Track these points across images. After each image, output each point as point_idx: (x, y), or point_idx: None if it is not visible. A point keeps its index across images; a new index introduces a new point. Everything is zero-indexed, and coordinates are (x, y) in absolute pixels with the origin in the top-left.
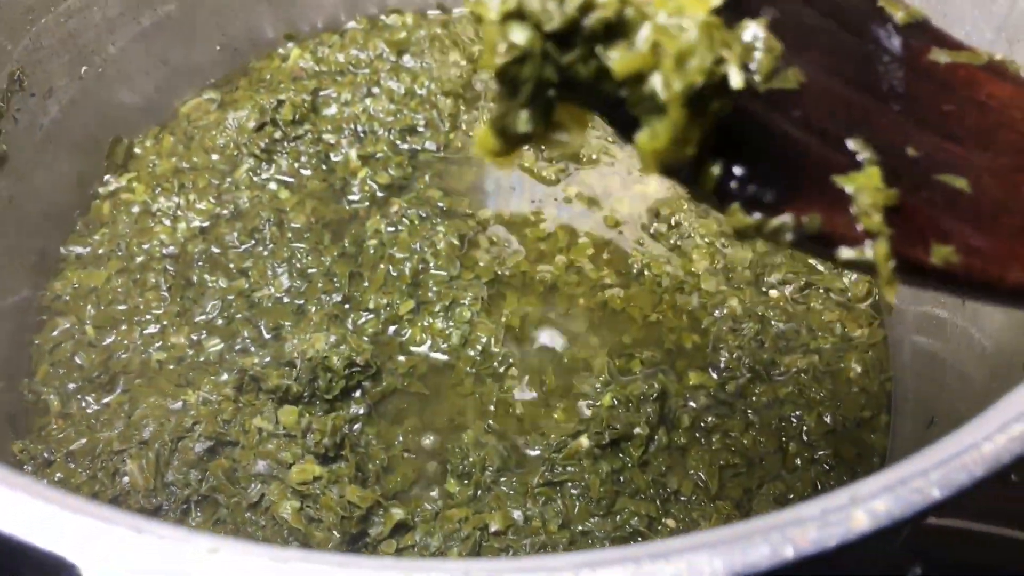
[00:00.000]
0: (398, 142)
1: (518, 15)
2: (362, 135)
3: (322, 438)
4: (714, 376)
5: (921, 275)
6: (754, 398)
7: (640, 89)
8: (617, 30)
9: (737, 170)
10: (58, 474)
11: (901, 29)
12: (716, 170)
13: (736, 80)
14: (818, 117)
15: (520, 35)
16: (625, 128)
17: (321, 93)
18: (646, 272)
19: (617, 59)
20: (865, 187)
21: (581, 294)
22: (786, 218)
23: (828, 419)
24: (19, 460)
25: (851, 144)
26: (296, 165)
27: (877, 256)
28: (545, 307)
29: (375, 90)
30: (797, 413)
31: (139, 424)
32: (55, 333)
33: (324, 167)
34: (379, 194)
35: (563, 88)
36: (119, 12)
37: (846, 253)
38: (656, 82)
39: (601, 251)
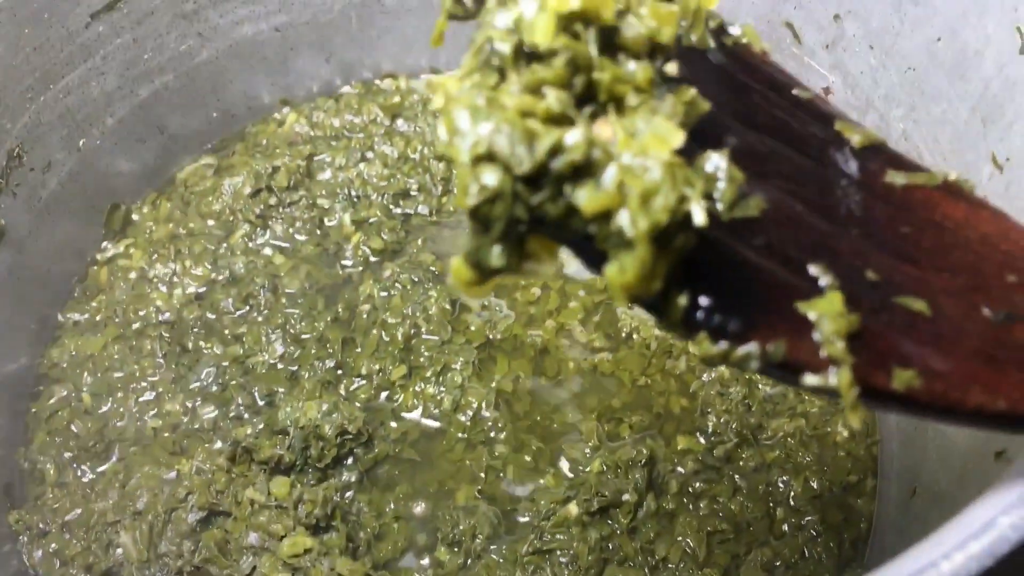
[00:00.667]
0: (391, 206)
1: (489, 158)
2: (356, 200)
3: (313, 508)
4: (702, 440)
5: (884, 399)
6: (741, 463)
7: (608, 226)
8: (584, 170)
9: (703, 300)
10: (53, 545)
11: (858, 152)
12: (683, 301)
13: (699, 218)
14: (780, 243)
15: (491, 177)
16: (594, 261)
17: (316, 158)
18: (635, 336)
19: (585, 198)
20: (827, 313)
21: (571, 358)
22: (751, 347)
23: (815, 484)
24: (15, 531)
25: (813, 269)
26: (291, 230)
27: (840, 384)
28: (536, 371)
29: (369, 154)
30: (784, 478)
31: (133, 494)
32: (52, 401)
33: (318, 232)
34: (372, 259)
35: (533, 224)
36: (117, 86)
37: (810, 380)
38: (623, 219)
39: (591, 315)
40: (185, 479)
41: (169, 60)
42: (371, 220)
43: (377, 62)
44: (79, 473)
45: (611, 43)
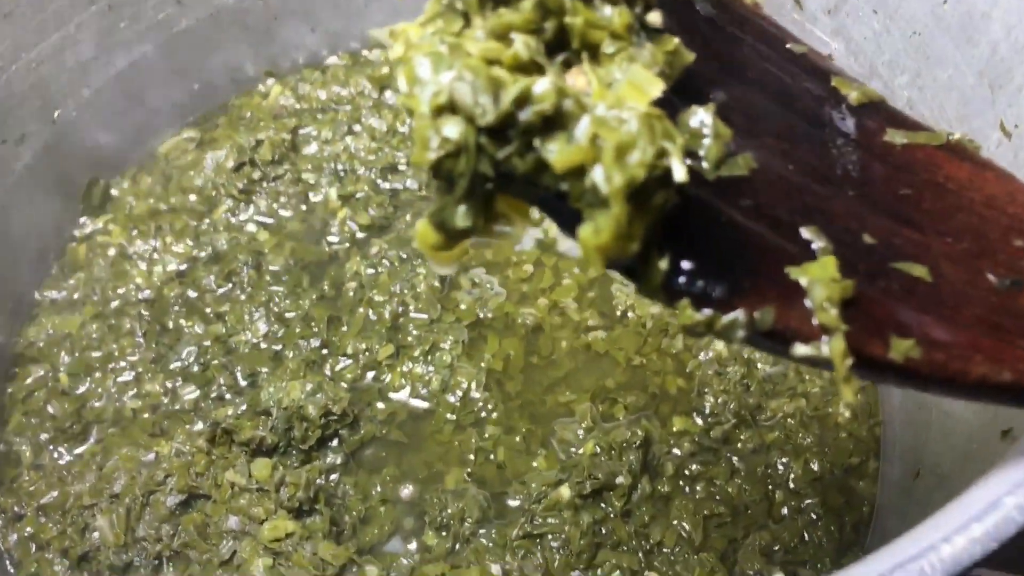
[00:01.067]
0: (379, 181)
1: (451, 109)
2: (342, 174)
3: (296, 491)
4: (699, 422)
5: (880, 370)
6: (739, 444)
7: (581, 182)
8: (555, 122)
9: (685, 264)
10: (28, 529)
11: (855, 110)
12: (663, 265)
13: (679, 174)
14: (770, 205)
15: (452, 129)
16: (567, 222)
17: (301, 131)
18: (630, 314)
19: (555, 153)
20: (820, 279)
21: (564, 336)
22: (738, 314)
23: (815, 466)
24: None
25: (805, 232)
26: (275, 206)
27: (833, 354)
28: (528, 350)
29: (356, 127)
30: (784, 460)
31: (111, 476)
32: (28, 381)
33: (303, 207)
34: (359, 235)
35: (501, 181)
36: (93, 55)
37: (801, 350)
38: (597, 175)
39: (585, 292)
40: (164, 461)
41: (147, 29)
42: (358, 195)
43: (364, 31)
44: (56, 455)
45: None
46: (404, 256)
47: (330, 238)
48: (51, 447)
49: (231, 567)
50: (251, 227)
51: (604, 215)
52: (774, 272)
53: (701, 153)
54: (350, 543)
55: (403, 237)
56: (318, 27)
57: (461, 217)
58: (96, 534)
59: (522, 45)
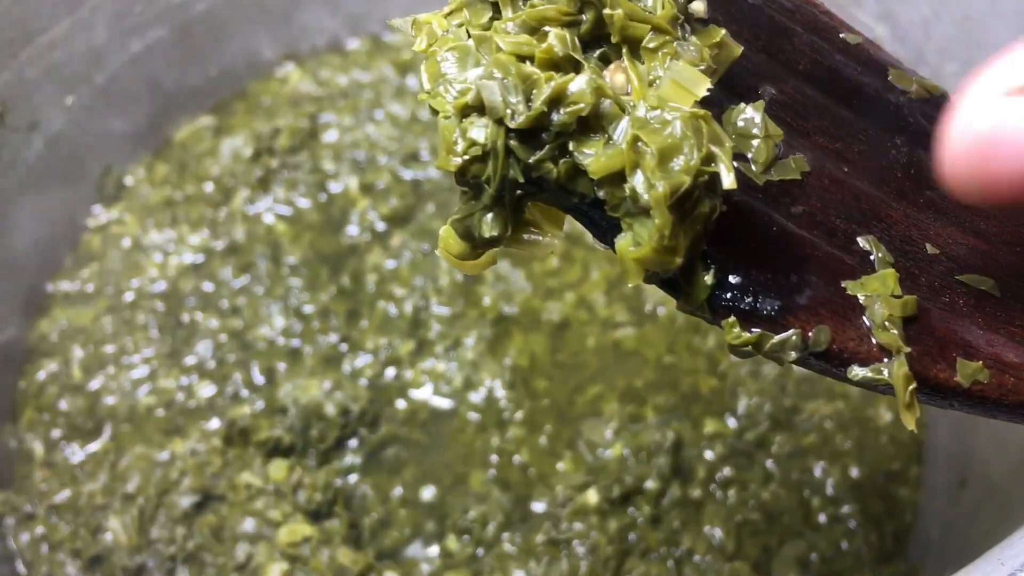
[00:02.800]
0: (401, 170)
1: (478, 109)
2: (363, 163)
3: (313, 494)
4: (732, 424)
5: (945, 395)
6: (774, 448)
7: (620, 190)
8: (592, 124)
9: (733, 278)
10: (40, 528)
11: (915, 105)
12: (708, 279)
13: (727, 181)
14: (824, 212)
15: (479, 131)
16: (604, 232)
17: (321, 118)
18: (660, 310)
19: (592, 158)
20: (880, 294)
21: (592, 333)
22: (791, 334)
23: (854, 471)
24: (0, 513)
25: (862, 242)
26: (293, 196)
27: (895, 378)
28: (553, 347)
29: (377, 114)
30: (821, 464)
31: (124, 476)
32: (40, 376)
33: (322, 197)
34: (380, 226)
35: (532, 187)
36: (106, 40)
37: (859, 373)
38: (638, 182)
39: (614, 287)
40: (178, 460)
41: (163, 12)
42: (379, 185)
43: (387, 14)
44: (68, 453)
45: None
46: (426, 249)
47: (350, 229)
48: (63, 444)
49: (246, 572)
50: (269, 218)
51: (645, 226)
52: (829, 286)
53: (749, 155)
54: (369, 547)
55: (425, 228)
56: (339, 9)
57: (488, 226)
58: (109, 535)
59: (557, 39)
